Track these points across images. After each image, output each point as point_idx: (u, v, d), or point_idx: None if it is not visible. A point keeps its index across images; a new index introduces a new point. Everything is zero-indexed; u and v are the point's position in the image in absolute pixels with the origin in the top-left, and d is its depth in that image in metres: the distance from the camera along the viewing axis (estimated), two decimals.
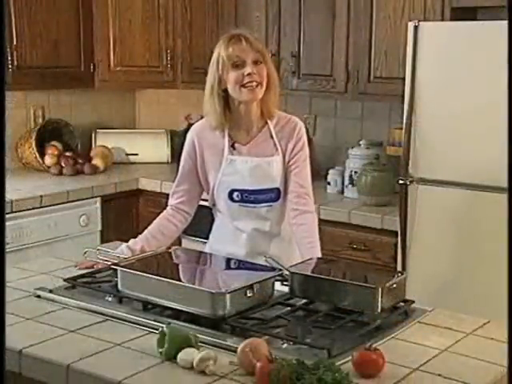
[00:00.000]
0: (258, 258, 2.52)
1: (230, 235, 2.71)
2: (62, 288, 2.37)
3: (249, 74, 2.50)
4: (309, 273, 2.27)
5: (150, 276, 2.19)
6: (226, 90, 2.57)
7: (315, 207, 2.72)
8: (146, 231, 2.69)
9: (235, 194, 2.64)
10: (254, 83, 2.52)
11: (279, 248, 2.68)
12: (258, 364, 1.76)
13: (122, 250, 2.59)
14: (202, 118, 2.77)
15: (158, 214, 2.76)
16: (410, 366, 1.88)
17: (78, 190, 4.04)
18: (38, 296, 2.33)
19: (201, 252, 2.59)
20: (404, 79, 3.32)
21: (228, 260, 2.49)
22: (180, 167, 2.75)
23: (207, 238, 2.86)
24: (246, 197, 2.64)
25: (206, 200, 2.75)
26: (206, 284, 2.24)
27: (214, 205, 2.74)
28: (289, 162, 2.65)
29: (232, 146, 2.64)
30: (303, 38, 3.99)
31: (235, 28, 2.78)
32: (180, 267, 2.43)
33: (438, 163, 3.28)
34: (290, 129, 2.66)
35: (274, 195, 2.65)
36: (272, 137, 2.65)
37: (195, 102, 4.39)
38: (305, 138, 2.68)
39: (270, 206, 2.65)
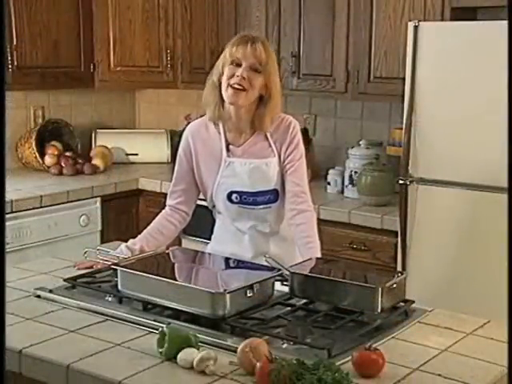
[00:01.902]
0: (260, 259, 2.52)
1: (232, 236, 2.70)
2: (61, 288, 2.37)
3: (238, 77, 2.49)
4: (309, 273, 2.27)
5: (150, 276, 2.19)
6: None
7: (315, 207, 2.71)
8: (145, 231, 2.69)
9: (234, 195, 2.63)
10: (240, 87, 2.50)
11: (281, 248, 2.67)
12: (258, 364, 1.76)
13: (122, 250, 2.58)
14: (201, 117, 2.76)
15: (158, 213, 2.76)
16: (410, 366, 1.88)
17: (78, 190, 4.04)
18: (38, 296, 2.33)
19: (200, 252, 2.58)
20: (404, 79, 3.32)
21: (227, 260, 2.49)
22: (176, 166, 2.73)
23: (207, 238, 2.85)
24: (245, 199, 2.63)
25: (206, 200, 2.75)
26: (206, 284, 2.23)
27: (213, 206, 2.73)
28: (284, 162, 2.63)
29: (227, 148, 2.64)
30: (303, 37, 3.99)
31: (244, 30, 2.76)
32: (180, 267, 2.43)
33: (437, 163, 3.27)
34: (283, 128, 2.64)
35: (273, 196, 2.64)
36: (267, 138, 2.63)
37: (195, 102, 4.40)
38: (299, 136, 2.66)
39: (269, 207, 2.65)
